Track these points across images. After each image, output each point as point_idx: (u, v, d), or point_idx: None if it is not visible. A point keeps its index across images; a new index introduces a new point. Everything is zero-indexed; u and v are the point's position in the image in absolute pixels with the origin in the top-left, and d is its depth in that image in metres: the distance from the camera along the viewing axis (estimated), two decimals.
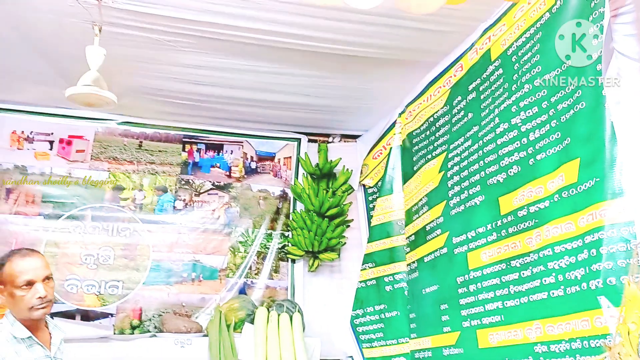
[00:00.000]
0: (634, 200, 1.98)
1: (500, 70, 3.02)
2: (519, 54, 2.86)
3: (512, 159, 2.82)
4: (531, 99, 2.71)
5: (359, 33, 3.31)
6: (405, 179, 4.08)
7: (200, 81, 3.99)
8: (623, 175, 2.13)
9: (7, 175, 4.18)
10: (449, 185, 3.38)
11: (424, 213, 3.68)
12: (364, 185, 4.83)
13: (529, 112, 2.72)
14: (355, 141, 5.14)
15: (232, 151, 4.82)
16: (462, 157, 3.28)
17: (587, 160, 2.33)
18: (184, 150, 4.69)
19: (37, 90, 4.04)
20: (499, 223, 2.86)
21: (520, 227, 2.70)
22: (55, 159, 4.32)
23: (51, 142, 4.35)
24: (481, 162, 3.07)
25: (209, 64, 3.75)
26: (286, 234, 4.77)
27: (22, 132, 4.30)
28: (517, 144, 2.78)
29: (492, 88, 3.07)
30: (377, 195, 4.41)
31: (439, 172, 3.55)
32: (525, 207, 2.67)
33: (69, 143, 4.38)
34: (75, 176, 4.33)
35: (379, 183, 4.45)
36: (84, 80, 2.87)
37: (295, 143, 4.98)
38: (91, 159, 4.41)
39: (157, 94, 4.20)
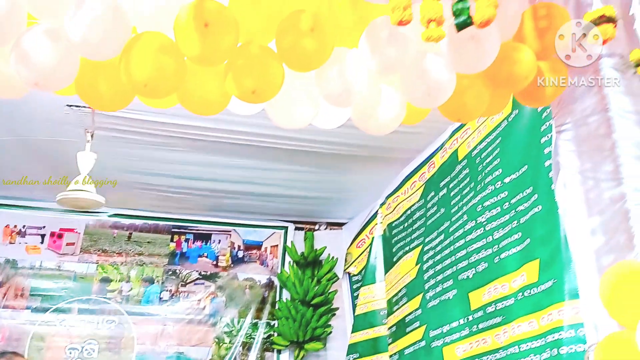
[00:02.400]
0: (584, 303, 2.09)
1: (467, 170, 3.21)
2: (482, 156, 3.07)
3: (479, 255, 2.95)
4: (494, 199, 2.88)
5: (337, 134, 3.53)
6: (387, 269, 4.19)
7: (188, 176, 4.19)
8: (577, 278, 2.25)
9: None
10: (425, 278, 3.49)
11: (403, 304, 3.76)
12: (348, 274, 4.92)
13: (492, 212, 2.88)
14: (341, 229, 5.28)
15: (219, 240, 4.95)
16: (436, 251, 3.42)
17: (546, 261, 2.46)
18: (172, 240, 4.82)
19: (32, 187, 4.22)
20: (470, 318, 2.95)
21: (489, 323, 2.79)
22: (46, 253, 4.44)
23: (42, 236, 4.48)
24: (453, 257, 3.20)
25: (196, 161, 3.96)
26: (272, 323, 4.80)
27: (15, 226, 4.44)
28: (484, 241, 2.93)
29: (460, 186, 3.25)
30: (361, 284, 4.50)
31: (416, 264, 3.67)
32: (493, 304, 2.77)
33: (60, 236, 4.50)
34: (64, 269, 4.42)
35: (363, 271, 4.55)
36: (74, 184, 3.05)
37: (282, 231, 5.11)
38: (81, 251, 4.52)
39: (147, 188, 4.38)
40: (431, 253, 3.48)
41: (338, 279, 4.95)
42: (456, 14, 1.22)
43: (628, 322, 1.69)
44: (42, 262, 4.40)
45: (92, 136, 3.21)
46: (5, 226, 4.43)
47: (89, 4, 1.62)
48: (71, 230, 4.55)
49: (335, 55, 1.84)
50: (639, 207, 1.89)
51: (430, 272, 3.44)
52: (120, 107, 1.84)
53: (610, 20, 1.32)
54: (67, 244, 4.50)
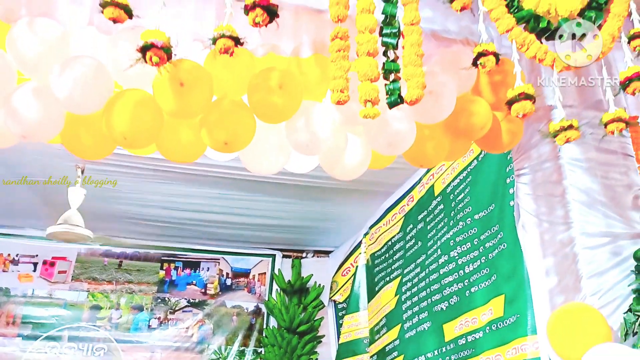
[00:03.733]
0: (541, 339, 2.21)
1: (442, 206, 3.35)
2: (455, 193, 3.20)
3: (452, 289, 3.07)
4: (465, 235, 3.01)
5: (321, 169, 3.67)
6: (370, 298, 4.30)
7: (177, 207, 4.32)
8: (536, 314, 2.37)
9: None
10: (403, 309, 3.60)
11: (384, 334, 3.86)
12: (334, 301, 5.02)
13: (463, 247, 3.01)
14: (328, 257, 5.39)
15: (208, 268, 5.06)
16: (413, 282, 3.53)
17: (511, 296, 2.59)
18: (161, 268, 4.92)
19: (25, 217, 4.34)
20: (444, 349, 3.06)
21: (461, 354, 2.90)
22: (38, 281, 4.54)
23: (35, 264, 4.59)
24: (428, 289, 3.32)
25: (185, 192, 4.09)
26: (259, 350, 4.89)
27: (9, 254, 4.56)
28: (455, 275, 3.05)
29: (436, 221, 3.39)
30: (345, 312, 4.60)
31: (395, 295, 3.78)
32: (464, 336, 2.89)
33: (52, 264, 4.62)
34: (55, 297, 4.53)
35: (347, 300, 4.65)
36: (64, 218, 3.18)
37: (270, 259, 5.22)
38: (72, 279, 4.62)
39: (138, 218, 4.51)
40: (409, 285, 3.60)
41: (324, 306, 5.05)
42: (388, 93, 1.36)
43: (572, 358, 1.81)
44: (34, 290, 4.50)
45: (82, 171, 3.35)
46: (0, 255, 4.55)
47: (74, 64, 1.77)
48: (63, 258, 4.67)
49: (303, 108, 1.98)
50: (586, 251, 2.02)
51: (408, 303, 3.55)
52: (102, 156, 1.98)
53: (529, 97, 1.46)
54: (59, 272, 4.61)
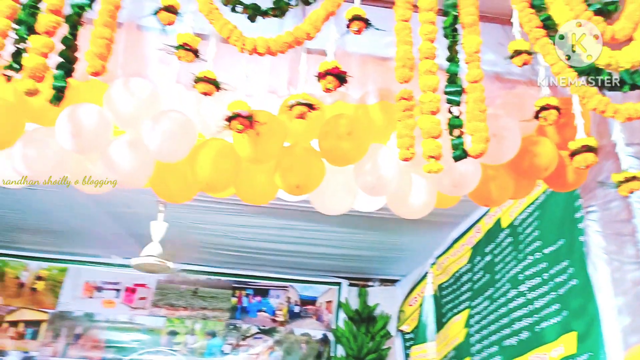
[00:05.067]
0: None
1: (510, 239, 3.34)
2: (523, 226, 3.19)
3: (521, 323, 3.04)
4: (534, 269, 2.99)
5: None
6: (438, 329, 4.29)
7: (247, 237, 4.52)
8: (609, 353, 2.33)
9: (78, 322, 4.72)
10: (472, 342, 3.59)
11: None
12: (401, 331, 5.03)
13: (532, 282, 2.99)
14: (394, 285, 5.42)
15: (277, 295, 5.21)
16: (482, 315, 3.52)
17: (583, 334, 2.55)
18: (233, 295, 5.13)
19: (111, 247, 4.68)
20: None
21: None
22: (120, 307, 4.85)
23: (118, 291, 4.91)
24: (497, 323, 3.30)
25: (254, 223, 4.28)
26: None
27: (94, 282, 4.90)
28: (525, 310, 3.02)
29: (504, 254, 3.38)
30: (414, 342, 4.60)
31: (464, 327, 3.77)
32: None
33: (133, 291, 4.92)
34: (136, 322, 4.81)
35: (415, 330, 4.65)
36: (147, 251, 3.42)
37: (337, 287, 5.32)
38: (151, 305, 4.91)
39: (211, 247, 4.75)
40: (477, 317, 3.58)
41: (391, 336, 5.07)
42: (453, 148, 1.44)
43: None
44: (117, 316, 4.81)
45: (164, 206, 3.60)
46: (85, 282, 4.89)
47: (163, 118, 1.97)
48: (143, 285, 4.96)
49: (370, 152, 2.09)
50: None
51: (477, 336, 3.54)
52: (186, 200, 2.17)
53: (591, 149, 1.49)
54: (140, 298, 4.90)
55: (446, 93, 1.45)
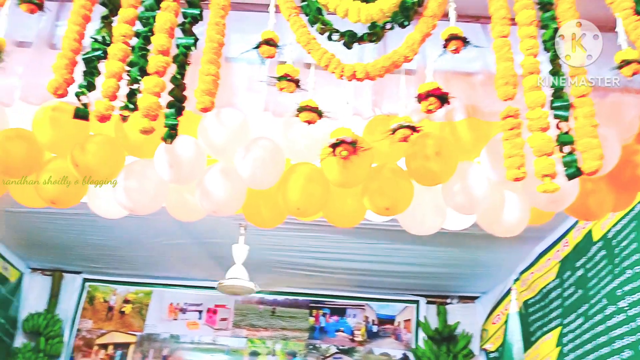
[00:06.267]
0: None
1: (603, 252, 3.17)
2: (618, 239, 3.03)
3: (623, 342, 2.87)
4: (634, 284, 2.83)
5: None
6: (526, 348, 4.12)
7: (324, 257, 4.53)
8: None
9: (164, 344, 4.88)
10: None
11: None
12: (485, 350, 4.87)
13: (633, 297, 2.82)
14: (474, 302, 5.26)
15: (354, 315, 5.18)
16: (576, 334, 3.35)
17: None
18: (310, 315, 5.14)
19: (193, 269, 4.82)
20: None
21: None
22: (204, 328, 4.97)
23: (200, 312, 5.04)
24: (594, 341, 3.13)
25: (330, 243, 4.29)
26: None
27: (178, 304, 5.05)
28: (626, 327, 2.85)
29: (597, 268, 3.21)
30: None
31: (556, 346, 3.60)
32: None
33: (215, 312, 5.03)
34: (219, 343, 4.91)
35: (500, 349, 4.49)
36: (232, 273, 3.50)
37: (414, 305, 5.22)
38: (233, 326, 5.00)
39: (288, 268, 4.79)
40: (571, 336, 3.42)
41: (474, 355, 4.91)
42: (566, 165, 1.39)
43: None
44: (201, 337, 4.92)
45: (245, 229, 3.67)
46: (169, 304, 5.05)
47: (254, 146, 2.02)
48: (223, 306, 5.07)
49: (459, 170, 2.05)
50: None
51: (572, 355, 3.37)
52: (276, 225, 2.20)
53: None
54: (221, 320, 5.01)
55: (553, 108, 1.40)
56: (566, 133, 1.39)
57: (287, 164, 2.10)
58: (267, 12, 1.94)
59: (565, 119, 1.40)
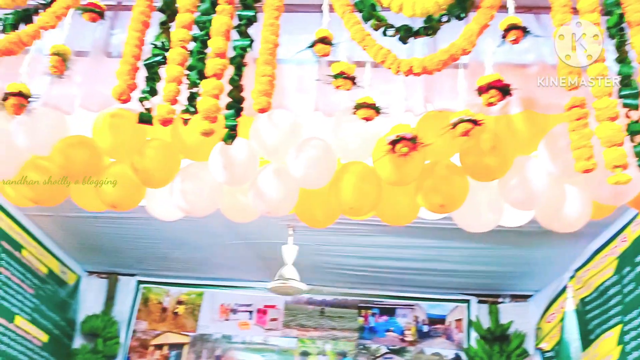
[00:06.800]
0: None
1: None
2: None
3: None
4: None
5: None
6: (584, 346, 3.99)
7: (373, 256, 4.50)
8: None
9: (217, 344, 4.96)
10: None
11: None
12: (540, 350, 4.74)
13: None
14: (526, 301, 5.13)
15: (404, 315, 5.13)
16: (639, 331, 3.22)
17: None
18: (359, 315, 5.12)
19: (243, 271, 4.88)
20: None
21: None
22: (254, 328, 5.03)
23: (250, 312, 5.09)
24: None
25: (382, 243, 4.26)
26: None
27: (229, 304, 5.13)
28: None
29: None
30: None
31: (618, 344, 3.47)
32: None
33: (265, 312, 5.08)
34: (270, 343, 4.96)
35: (557, 348, 4.36)
36: (282, 274, 3.52)
37: (465, 305, 5.13)
38: (283, 326, 5.03)
39: (337, 268, 4.79)
40: (633, 334, 3.28)
41: (528, 354, 4.79)
42: (638, 156, 1.33)
43: None
44: (252, 337, 4.98)
45: (293, 230, 3.69)
46: (221, 305, 5.13)
47: (306, 146, 2.02)
48: (273, 306, 5.11)
49: (516, 165, 2.00)
50: None
51: (635, 354, 3.24)
52: (329, 224, 2.20)
53: None
54: (271, 320, 5.05)
55: (621, 97, 1.35)
56: (636, 122, 1.33)
57: (337, 163, 2.10)
58: (315, 12, 1.94)
59: (635, 107, 1.34)
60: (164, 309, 5.13)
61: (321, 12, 1.92)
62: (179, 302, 5.15)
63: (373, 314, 5.15)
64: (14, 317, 3.99)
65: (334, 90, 1.80)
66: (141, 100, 1.50)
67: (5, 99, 1.45)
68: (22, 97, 1.44)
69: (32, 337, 4.21)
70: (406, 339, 5.04)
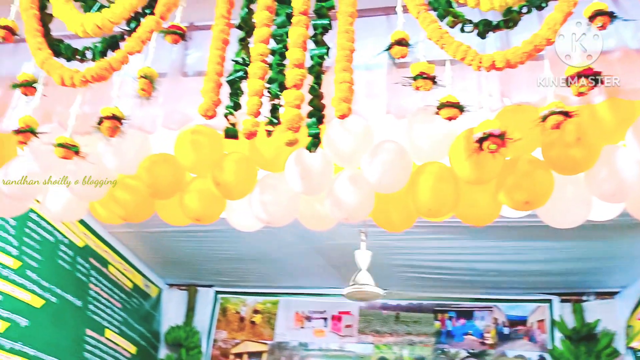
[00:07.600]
0: None
1: None
2: None
3: None
4: None
5: None
6: None
7: (448, 259, 4.42)
8: None
9: (294, 352, 5.01)
10: None
11: None
12: (632, 348, 4.49)
13: None
14: (613, 298, 4.88)
15: (482, 317, 5.00)
16: None
17: None
18: (436, 319, 5.03)
19: (316, 278, 4.92)
20: None
21: None
22: (330, 335, 5.04)
23: (325, 319, 5.12)
24: None
25: (458, 245, 4.18)
26: None
27: (303, 312, 5.17)
28: None
29: None
30: None
31: None
32: None
33: (339, 319, 5.09)
34: (346, 350, 4.96)
35: None
36: (357, 279, 3.51)
37: (547, 305, 4.94)
38: (358, 332, 5.02)
39: (410, 271, 4.73)
40: None
41: (619, 354, 4.54)
42: None
43: None
44: (328, 344, 5.00)
45: (365, 235, 3.67)
46: (295, 313, 5.18)
47: (380, 150, 2.01)
48: (347, 312, 5.11)
49: (604, 156, 1.91)
50: None
51: None
52: (406, 228, 2.18)
53: None
54: (346, 326, 5.05)
55: None
56: None
57: (412, 165, 2.07)
58: (383, 15, 1.93)
59: None
60: (242, 318, 5.25)
61: (385, 14, 1.91)
62: (256, 311, 5.24)
63: (450, 318, 5.05)
64: (104, 330, 4.20)
65: (404, 93, 1.78)
66: (226, 115, 1.54)
67: (100, 122, 1.53)
68: (116, 120, 1.52)
69: (122, 349, 4.42)
70: (486, 342, 4.90)
